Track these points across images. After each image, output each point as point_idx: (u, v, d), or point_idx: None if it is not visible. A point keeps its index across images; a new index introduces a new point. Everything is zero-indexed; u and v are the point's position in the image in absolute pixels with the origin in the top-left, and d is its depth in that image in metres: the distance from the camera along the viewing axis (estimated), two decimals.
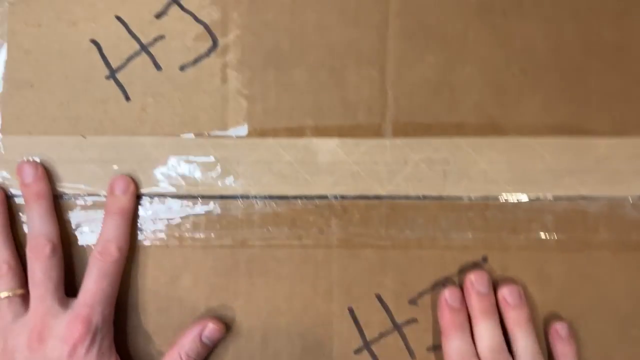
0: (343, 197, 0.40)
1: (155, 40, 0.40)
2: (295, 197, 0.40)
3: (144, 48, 0.40)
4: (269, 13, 0.40)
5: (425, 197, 0.39)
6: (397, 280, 0.39)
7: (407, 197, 0.39)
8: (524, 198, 0.39)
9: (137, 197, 0.39)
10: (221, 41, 0.40)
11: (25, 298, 0.37)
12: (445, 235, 0.39)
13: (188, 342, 0.37)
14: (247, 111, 0.40)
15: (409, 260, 0.39)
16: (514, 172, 0.39)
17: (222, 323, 0.38)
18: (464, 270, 0.39)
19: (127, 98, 0.40)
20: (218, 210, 0.39)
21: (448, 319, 0.38)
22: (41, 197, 0.38)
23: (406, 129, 0.40)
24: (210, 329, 0.38)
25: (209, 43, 0.40)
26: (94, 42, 0.40)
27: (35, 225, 0.38)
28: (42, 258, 0.37)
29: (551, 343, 0.38)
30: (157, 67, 0.40)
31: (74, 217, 0.39)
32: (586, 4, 0.40)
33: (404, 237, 0.39)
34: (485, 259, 0.39)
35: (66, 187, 0.39)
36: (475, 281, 0.38)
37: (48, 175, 0.39)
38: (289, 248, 0.39)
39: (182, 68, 0.40)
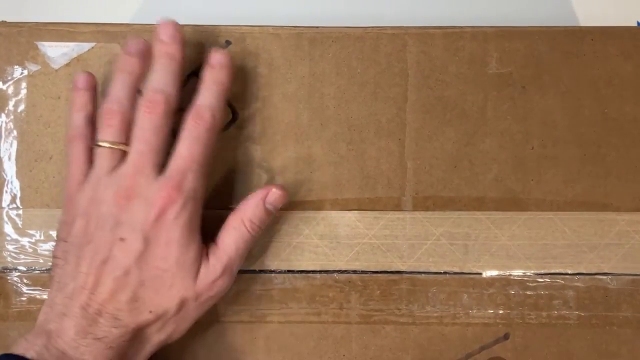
0: (363, 272, 0.39)
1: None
2: (315, 272, 0.39)
3: None
4: (289, 86, 0.40)
5: (446, 273, 0.39)
6: (418, 358, 0.39)
7: (428, 273, 0.39)
8: (545, 274, 0.39)
9: None
10: (241, 114, 0.40)
11: (125, 155, 0.35)
12: (467, 311, 0.39)
13: (251, 207, 0.36)
14: (267, 184, 0.40)
15: (430, 337, 0.39)
16: (535, 248, 0.39)
17: (286, 190, 0.37)
18: (485, 348, 0.39)
19: None
20: (235, 285, 0.39)
21: None
22: (172, 59, 0.36)
23: (426, 203, 0.40)
24: (274, 193, 0.36)
25: (229, 116, 0.40)
26: None
27: (156, 80, 0.35)
28: (154, 114, 0.35)
29: None
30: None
31: None
32: (605, 78, 0.40)
33: (425, 314, 0.39)
34: (507, 336, 0.39)
35: None
36: None
37: None
38: (308, 324, 0.39)
39: None
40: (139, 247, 0.34)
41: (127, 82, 0.36)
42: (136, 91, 0.36)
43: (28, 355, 0.32)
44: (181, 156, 0.35)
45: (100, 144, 0.35)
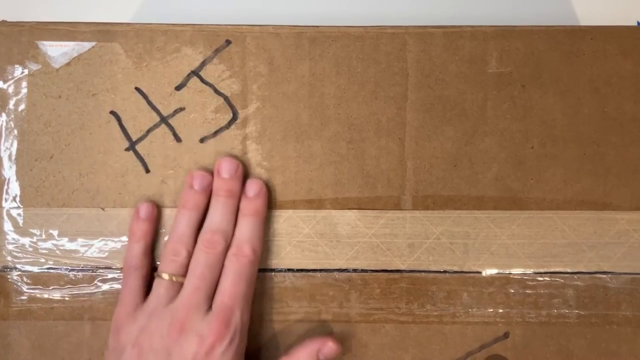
0: (363, 271, 0.39)
1: (175, 112, 0.40)
2: (315, 271, 0.39)
3: (163, 120, 0.40)
4: (289, 85, 0.40)
5: (446, 272, 0.39)
6: (418, 357, 0.39)
7: (427, 271, 0.39)
8: (545, 273, 0.39)
9: None
10: (241, 113, 0.40)
11: (180, 287, 0.37)
12: (466, 310, 0.39)
13: (305, 356, 0.37)
14: (267, 183, 0.40)
15: (429, 336, 0.39)
16: (534, 247, 0.39)
17: (340, 345, 0.37)
18: (485, 346, 0.39)
19: (147, 170, 0.40)
20: None
21: None
22: (231, 196, 0.38)
23: (426, 202, 0.40)
24: (330, 347, 0.37)
25: (229, 115, 0.40)
26: (114, 113, 0.40)
27: (216, 220, 0.38)
28: (211, 253, 0.37)
29: None
30: (177, 139, 0.40)
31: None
32: (605, 77, 0.40)
33: (425, 312, 0.39)
34: (506, 335, 0.39)
35: (86, 259, 0.39)
36: None
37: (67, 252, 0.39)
38: (308, 323, 0.39)
39: (202, 140, 0.40)
40: None
41: (191, 219, 0.38)
42: (198, 225, 0.38)
43: None
44: (227, 292, 0.36)
45: (163, 275, 0.37)
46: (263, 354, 0.39)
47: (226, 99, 0.40)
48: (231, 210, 0.38)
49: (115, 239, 0.39)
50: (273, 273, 0.39)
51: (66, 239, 0.39)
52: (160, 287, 0.37)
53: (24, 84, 0.40)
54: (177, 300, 0.36)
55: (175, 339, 0.35)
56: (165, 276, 0.37)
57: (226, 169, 0.38)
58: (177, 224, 0.38)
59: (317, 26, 0.40)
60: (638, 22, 0.45)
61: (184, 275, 0.37)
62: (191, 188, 0.38)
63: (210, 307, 0.36)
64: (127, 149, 0.40)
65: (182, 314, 0.36)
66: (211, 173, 0.39)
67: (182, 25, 0.40)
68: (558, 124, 0.40)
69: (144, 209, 0.39)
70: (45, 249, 0.39)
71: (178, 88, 0.40)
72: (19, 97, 0.40)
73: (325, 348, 0.37)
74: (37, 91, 0.40)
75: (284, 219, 0.39)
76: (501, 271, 0.39)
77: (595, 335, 0.39)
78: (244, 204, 0.38)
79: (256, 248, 0.38)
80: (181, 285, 0.37)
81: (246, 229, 0.38)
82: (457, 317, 0.39)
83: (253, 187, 0.38)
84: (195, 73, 0.40)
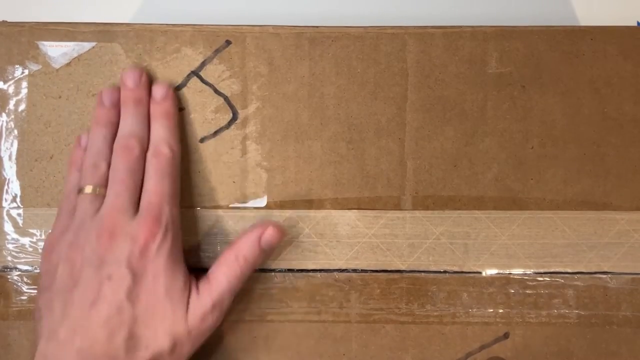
0: (363, 271, 0.39)
1: None
2: (315, 271, 0.39)
3: None
4: (289, 86, 0.40)
5: (446, 272, 0.39)
6: (418, 357, 0.39)
7: (427, 272, 0.39)
8: (545, 273, 0.39)
9: None
10: (241, 113, 0.40)
11: (104, 198, 0.36)
12: (466, 310, 0.39)
13: (246, 245, 0.36)
14: (267, 183, 0.40)
15: (429, 336, 0.39)
16: (534, 247, 0.39)
17: (283, 228, 0.37)
18: (485, 347, 0.39)
19: None
20: None
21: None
22: (139, 103, 0.38)
23: (426, 202, 0.40)
24: (270, 233, 0.37)
25: (229, 115, 0.40)
26: None
27: (128, 126, 0.37)
28: (129, 158, 0.36)
29: None
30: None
31: None
32: (605, 78, 0.40)
33: (425, 313, 0.39)
34: (506, 335, 0.39)
35: None
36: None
37: None
38: (308, 323, 0.39)
39: (202, 140, 0.40)
40: (128, 282, 0.34)
41: (106, 134, 0.38)
42: (113, 138, 0.38)
43: None
44: (152, 192, 0.36)
45: (84, 189, 0.36)
46: (263, 354, 0.39)
47: (226, 99, 0.40)
48: (142, 115, 0.38)
49: None
50: (273, 273, 0.39)
51: None
52: (83, 201, 0.36)
53: (24, 84, 0.40)
54: (102, 209, 0.35)
55: (107, 246, 0.34)
56: (88, 189, 0.36)
57: (130, 79, 0.38)
58: (92, 141, 0.38)
59: (317, 26, 0.40)
60: (638, 23, 0.45)
61: (106, 185, 0.36)
62: (101, 105, 0.38)
63: (137, 211, 0.36)
64: None
65: (109, 220, 0.35)
66: (118, 88, 0.39)
67: (182, 25, 0.40)
68: (558, 124, 0.40)
69: (84, 138, 0.39)
70: None
71: (178, 88, 0.40)
72: (19, 97, 0.40)
73: (267, 235, 0.36)
74: (37, 91, 0.40)
75: (283, 219, 0.39)
76: (501, 271, 0.39)
77: (595, 336, 0.39)
78: (154, 108, 0.38)
79: (173, 146, 0.37)
80: (104, 197, 0.36)
81: (160, 130, 0.38)
82: (457, 318, 0.39)
83: (159, 91, 0.38)
84: (195, 73, 0.40)
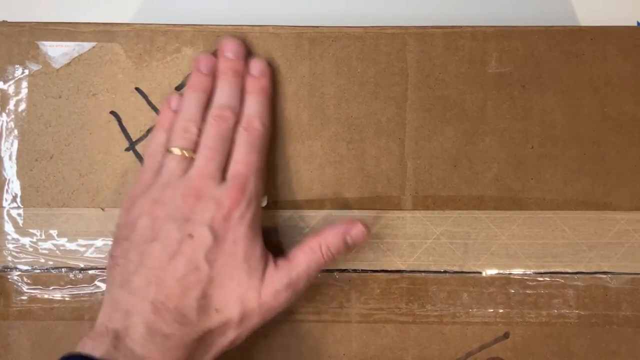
0: (363, 271, 0.39)
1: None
2: None
3: None
4: (289, 85, 0.40)
5: (446, 272, 0.39)
6: (418, 357, 0.39)
7: (427, 272, 0.39)
8: (545, 273, 0.39)
9: None
10: None
11: (192, 163, 0.36)
12: (467, 310, 0.39)
13: (332, 235, 0.36)
14: (267, 183, 0.40)
15: (430, 336, 0.39)
16: (534, 247, 0.39)
17: (369, 229, 0.37)
18: (485, 347, 0.39)
19: None
20: None
21: None
22: (237, 75, 0.38)
23: (426, 202, 0.40)
24: (358, 230, 0.37)
25: None
26: (114, 113, 0.40)
27: (225, 97, 0.38)
28: (222, 127, 0.37)
29: None
30: None
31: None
32: (604, 78, 0.40)
33: (425, 312, 0.39)
34: (506, 335, 0.39)
35: (86, 259, 0.39)
36: None
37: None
38: (308, 323, 0.39)
39: None
40: (208, 243, 0.34)
41: (199, 100, 0.38)
42: (206, 105, 0.38)
43: (97, 355, 0.32)
44: (241, 162, 0.36)
45: (172, 150, 0.37)
46: (263, 353, 0.39)
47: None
48: (237, 88, 0.38)
49: None
50: None
51: (66, 239, 0.39)
52: (172, 161, 0.36)
53: (25, 84, 0.40)
54: (191, 171, 0.36)
55: (192, 205, 0.35)
56: (177, 151, 0.36)
57: (230, 49, 0.38)
58: (186, 105, 0.38)
59: (317, 26, 0.40)
60: (638, 23, 0.45)
61: (195, 151, 0.37)
62: (198, 71, 0.38)
63: (223, 179, 0.36)
64: (127, 149, 0.40)
65: (197, 182, 0.35)
66: (215, 56, 0.39)
67: (183, 25, 0.40)
68: (558, 124, 0.40)
69: (175, 100, 0.38)
70: (45, 249, 0.39)
71: (178, 88, 0.40)
72: (20, 97, 0.40)
73: (354, 230, 0.37)
74: (38, 91, 0.40)
75: (284, 219, 0.39)
76: (501, 271, 0.39)
77: (596, 336, 0.39)
78: (250, 82, 0.38)
79: (265, 122, 0.38)
80: (193, 160, 0.36)
81: (254, 105, 0.38)
82: (457, 317, 0.39)
83: (257, 66, 0.39)
84: None
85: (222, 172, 0.36)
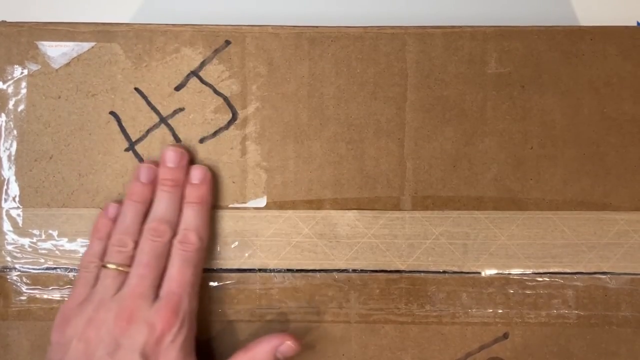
0: (362, 271, 0.39)
1: (175, 112, 0.40)
2: (314, 271, 0.39)
3: (163, 120, 0.40)
4: (288, 86, 0.40)
5: (445, 272, 0.39)
6: (417, 357, 0.39)
7: (427, 272, 0.39)
8: (544, 273, 0.39)
9: None
10: (240, 114, 0.40)
11: (126, 277, 0.37)
12: (466, 310, 0.39)
13: (261, 353, 0.36)
14: (266, 183, 0.40)
15: (429, 337, 0.39)
16: (534, 247, 0.39)
17: (299, 342, 0.37)
18: (485, 347, 0.39)
19: None
20: (235, 284, 0.39)
21: None
22: (176, 186, 0.38)
23: (425, 202, 0.40)
24: (288, 346, 0.36)
25: (229, 116, 0.40)
26: (113, 114, 0.40)
27: (162, 210, 0.38)
28: (157, 242, 0.37)
29: None
30: (177, 139, 0.40)
31: None
32: (604, 78, 0.40)
33: (424, 313, 0.39)
34: (506, 335, 0.39)
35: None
36: None
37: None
38: (307, 323, 0.39)
39: (201, 140, 0.40)
40: None
41: (137, 211, 0.38)
42: (144, 217, 0.38)
43: None
44: (175, 280, 0.36)
45: (109, 266, 0.37)
46: None
47: (225, 99, 0.40)
48: (176, 199, 0.38)
49: None
50: (272, 273, 0.39)
51: (66, 239, 0.39)
52: (106, 277, 0.36)
53: (24, 84, 0.40)
54: (124, 290, 0.36)
55: (124, 329, 0.35)
56: (112, 266, 0.37)
57: (171, 159, 0.38)
58: (123, 216, 0.38)
59: (317, 26, 0.40)
60: (638, 23, 0.45)
61: (130, 265, 0.37)
62: (137, 180, 0.38)
63: (157, 296, 0.36)
64: (126, 150, 0.40)
65: (130, 303, 0.35)
66: (157, 165, 0.39)
67: (182, 25, 0.40)
68: (557, 124, 0.40)
69: (112, 209, 0.38)
70: (44, 249, 0.39)
71: (177, 88, 0.40)
72: (19, 97, 0.40)
73: (284, 347, 0.36)
74: (37, 91, 0.40)
75: (283, 220, 0.39)
76: (500, 272, 0.39)
77: (595, 336, 0.39)
78: (189, 191, 0.38)
79: (202, 235, 0.38)
80: (127, 275, 0.37)
81: (191, 217, 0.38)
82: (456, 318, 0.39)
83: (197, 174, 0.39)
84: (194, 73, 0.40)
85: (156, 289, 0.36)
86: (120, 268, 0.37)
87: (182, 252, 0.37)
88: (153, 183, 0.38)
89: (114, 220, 0.38)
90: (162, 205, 0.38)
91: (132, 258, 0.37)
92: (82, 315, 0.36)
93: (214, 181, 0.40)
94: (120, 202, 0.39)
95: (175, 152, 0.39)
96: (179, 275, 0.36)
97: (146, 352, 0.35)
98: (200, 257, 0.38)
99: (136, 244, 0.37)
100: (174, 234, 0.37)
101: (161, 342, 0.35)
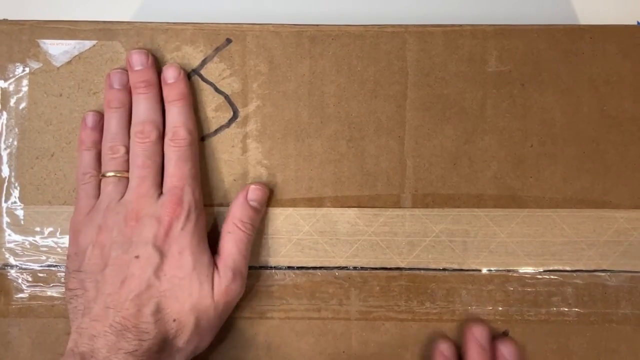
0: (363, 269, 0.39)
1: None
2: (315, 268, 0.39)
3: None
4: (289, 84, 0.40)
5: (445, 269, 0.39)
6: (417, 354, 0.39)
7: (427, 269, 0.39)
8: (544, 271, 0.39)
9: None
10: (241, 112, 0.40)
11: (127, 182, 0.38)
12: (466, 308, 0.39)
13: (237, 209, 0.38)
14: (267, 181, 0.40)
15: (429, 334, 0.39)
16: (534, 245, 0.39)
17: (264, 184, 0.39)
18: None
19: None
20: None
21: None
22: (150, 85, 0.39)
23: (425, 200, 0.40)
24: (253, 190, 0.38)
25: (230, 114, 0.40)
26: None
27: (142, 111, 0.38)
28: (147, 143, 0.37)
29: None
30: None
31: None
32: (604, 76, 0.40)
33: (424, 310, 0.39)
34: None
35: None
36: (478, 335, 0.38)
37: None
38: (308, 320, 0.39)
39: (202, 138, 0.40)
40: (155, 260, 0.35)
41: (120, 117, 0.39)
42: (128, 121, 0.39)
43: None
44: (174, 175, 0.37)
45: (107, 174, 0.38)
46: (263, 351, 0.39)
47: (227, 97, 0.40)
48: (154, 99, 0.39)
49: None
50: (273, 271, 0.39)
51: (67, 236, 0.39)
52: (107, 185, 0.38)
53: (25, 82, 0.40)
54: (127, 193, 0.37)
55: (134, 227, 0.36)
56: (110, 174, 0.38)
57: (137, 61, 0.39)
58: (107, 125, 0.39)
59: (317, 25, 0.40)
60: (638, 22, 0.46)
61: (127, 170, 0.38)
62: (110, 87, 0.39)
63: (160, 194, 0.37)
64: None
65: (135, 204, 0.36)
66: (126, 71, 0.39)
67: (183, 23, 0.40)
68: (557, 122, 0.40)
69: (91, 118, 0.39)
70: (45, 246, 0.39)
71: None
72: (20, 95, 0.40)
73: (251, 192, 0.38)
74: (38, 89, 0.40)
75: (284, 217, 0.40)
76: (500, 269, 0.39)
77: (595, 334, 0.39)
78: (167, 91, 0.39)
79: (191, 129, 0.38)
80: (127, 180, 0.38)
81: (176, 114, 0.38)
82: (456, 315, 0.39)
83: (171, 73, 0.39)
84: (195, 71, 0.40)
85: (159, 186, 0.38)
86: (118, 174, 0.38)
87: (176, 148, 0.38)
88: (127, 88, 0.39)
89: (95, 128, 0.39)
90: (142, 107, 0.38)
91: (127, 162, 0.38)
92: (92, 223, 0.37)
93: (216, 179, 0.40)
94: (96, 111, 0.39)
95: (140, 54, 0.39)
96: (177, 169, 0.37)
97: (157, 243, 0.36)
98: (194, 151, 0.38)
99: (127, 148, 0.38)
100: (161, 133, 0.38)
101: (170, 231, 0.36)
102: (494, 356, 0.37)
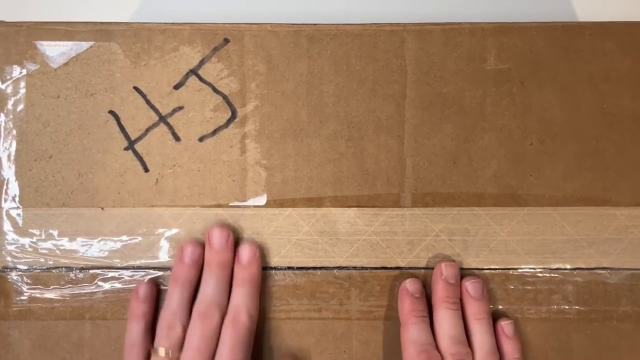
0: (363, 268, 0.39)
1: (174, 111, 0.40)
2: (315, 268, 0.39)
3: (162, 119, 0.40)
4: (287, 84, 0.40)
5: None
6: None
7: (427, 268, 0.39)
8: (544, 269, 0.39)
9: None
10: (240, 112, 0.40)
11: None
12: None
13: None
14: (266, 181, 0.40)
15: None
16: (534, 243, 0.39)
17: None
18: None
19: (146, 169, 0.40)
20: None
21: (408, 307, 0.37)
22: (224, 267, 0.38)
23: (425, 199, 0.40)
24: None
25: (228, 114, 0.40)
26: (113, 113, 0.40)
27: (210, 292, 0.37)
28: (207, 325, 0.36)
29: (497, 341, 0.38)
30: (176, 138, 0.40)
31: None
32: (603, 74, 0.40)
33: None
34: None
35: (86, 258, 0.39)
36: (445, 270, 0.38)
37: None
38: (308, 320, 0.39)
39: (201, 139, 0.40)
40: None
41: (184, 293, 0.38)
42: (191, 298, 0.38)
43: None
44: (226, 359, 0.36)
45: (160, 350, 0.37)
46: (264, 351, 0.39)
47: (225, 97, 0.40)
48: (224, 280, 0.38)
49: (115, 239, 0.39)
50: (273, 271, 0.39)
51: (66, 238, 0.39)
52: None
53: (23, 84, 0.40)
54: None
55: None
56: (162, 351, 0.36)
57: (217, 240, 0.38)
58: (169, 299, 0.38)
59: (315, 24, 0.40)
60: None
61: (180, 349, 0.37)
62: (181, 262, 0.38)
63: None
64: (126, 149, 0.40)
65: None
66: (201, 244, 0.39)
67: (180, 24, 0.40)
68: (557, 120, 0.40)
69: (143, 290, 0.38)
70: (45, 249, 0.39)
71: (176, 87, 0.40)
72: (18, 97, 0.40)
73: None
74: (36, 91, 0.40)
75: (283, 217, 0.39)
76: (501, 268, 0.39)
77: (595, 331, 0.39)
78: (238, 272, 0.38)
79: (252, 314, 0.37)
80: (178, 359, 0.36)
81: (242, 297, 0.38)
82: None
83: (246, 254, 0.38)
84: (193, 72, 0.40)
85: None
86: (170, 352, 0.36)
87: (234, 331, 0.36)
88: (197, 264, 0.38)
89: (146, 301, 0.38)
90: (210, 287, 0.38)
91: (181, 340, 0.37)
92: None
93: (215, 180, 0.40)
94: (149, 282, 0.39)
95: (222, 233, 0.38)
96: (231, 355, 0.36)
97: None
98: (250, 336, 0.37)
99: (185, 327, 0.37)
100: (223, 315, 0.37)
101: None
102: (460, 292, 0.38)
